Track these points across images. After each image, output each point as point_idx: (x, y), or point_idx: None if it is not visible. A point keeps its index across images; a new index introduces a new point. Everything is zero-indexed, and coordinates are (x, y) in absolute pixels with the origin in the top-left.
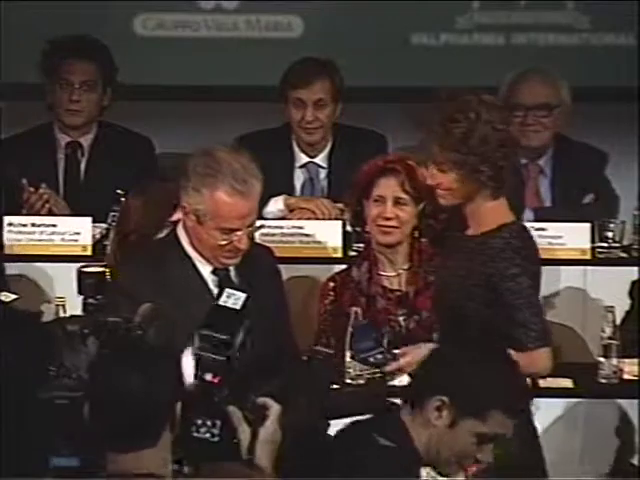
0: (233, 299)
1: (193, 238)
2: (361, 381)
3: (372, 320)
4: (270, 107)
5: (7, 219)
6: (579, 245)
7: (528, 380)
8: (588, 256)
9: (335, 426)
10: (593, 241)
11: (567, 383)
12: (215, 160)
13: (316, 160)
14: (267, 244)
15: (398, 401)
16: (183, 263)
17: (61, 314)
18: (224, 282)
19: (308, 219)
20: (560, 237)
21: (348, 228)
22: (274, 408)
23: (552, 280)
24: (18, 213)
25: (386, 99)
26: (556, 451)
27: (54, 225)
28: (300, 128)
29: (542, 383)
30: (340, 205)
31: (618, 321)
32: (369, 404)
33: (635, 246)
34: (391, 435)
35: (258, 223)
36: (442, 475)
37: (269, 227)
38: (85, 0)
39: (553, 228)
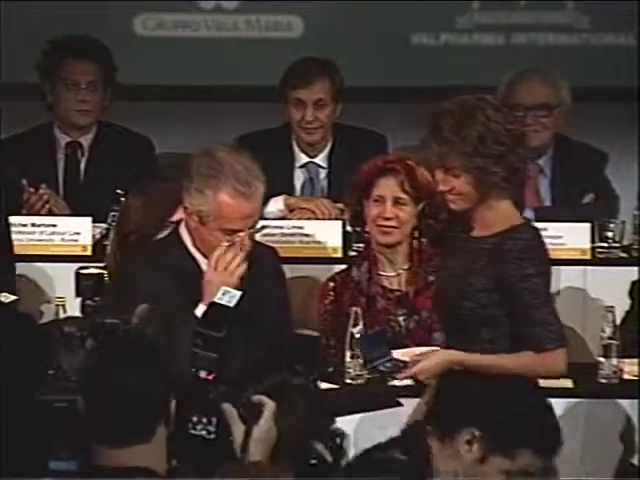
0: (228, 297)
1: (196, 238)
2: (361, 381)
3: (372, 320)
4: (270, 107)
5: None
6: (579, 245)
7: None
8: (588, 256)
9: (339, 423)
10: (593, 241)
11: (567, 383)
12: (218, 161)
13: (316, 160)
14: (267, 244)
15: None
16: (187, 263)
17: (61, 314)
18: None
19: (308, 219)
20: (560, 237)
21: (348, 228)
22: (269, 405)
23: (552, 280)
24: (18, 213)
25: (386, 99)
26: None
27: (54, 225)
28: (300, 128)
29: (542, 383)
30: (340, 205)
31: (618, 321)
32: (369, 404)
33: (635, 246)
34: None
35: (260, 224)
36: None
37: (269, 227)
38: (85, 0)
39: (553, 228)
